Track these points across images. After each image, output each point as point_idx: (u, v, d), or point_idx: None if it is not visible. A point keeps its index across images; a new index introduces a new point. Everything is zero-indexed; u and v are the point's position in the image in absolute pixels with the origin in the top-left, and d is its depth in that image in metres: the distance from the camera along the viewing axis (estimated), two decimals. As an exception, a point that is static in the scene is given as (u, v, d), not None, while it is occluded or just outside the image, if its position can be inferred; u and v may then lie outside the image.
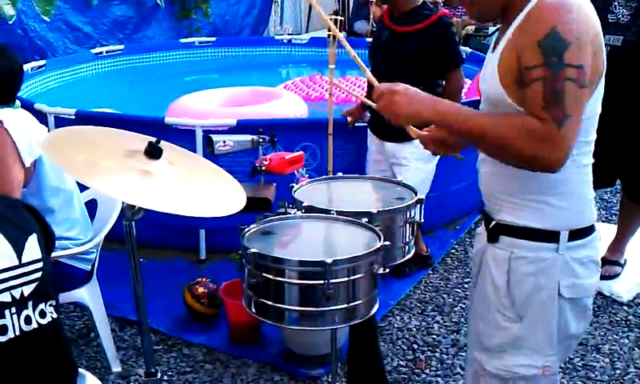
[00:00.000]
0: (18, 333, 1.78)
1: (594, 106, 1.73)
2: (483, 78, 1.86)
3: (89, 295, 3.06)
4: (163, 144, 1.87)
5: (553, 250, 1.78)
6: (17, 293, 1.79)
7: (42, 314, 1.84)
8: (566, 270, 1.79)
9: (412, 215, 2.29)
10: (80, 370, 2.08)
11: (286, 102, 5.62)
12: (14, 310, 1.78)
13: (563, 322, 1.83)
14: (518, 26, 1.70)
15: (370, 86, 3.97)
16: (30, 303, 1.82)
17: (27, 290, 1.81)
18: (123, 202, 1.85)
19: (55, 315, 1.89)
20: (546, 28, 1.60)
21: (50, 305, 1.87)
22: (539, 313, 1.82)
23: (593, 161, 1.82)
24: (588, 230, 1.82)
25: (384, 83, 1.88)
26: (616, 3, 3.63)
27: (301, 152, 2.86)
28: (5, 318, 1.76)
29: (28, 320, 1.80)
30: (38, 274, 1.85)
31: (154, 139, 1.85)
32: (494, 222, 1.88)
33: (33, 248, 1.86)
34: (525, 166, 1.68)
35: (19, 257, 1.81)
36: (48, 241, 1.99)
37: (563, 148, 1.60)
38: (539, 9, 1.65)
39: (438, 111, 1.78)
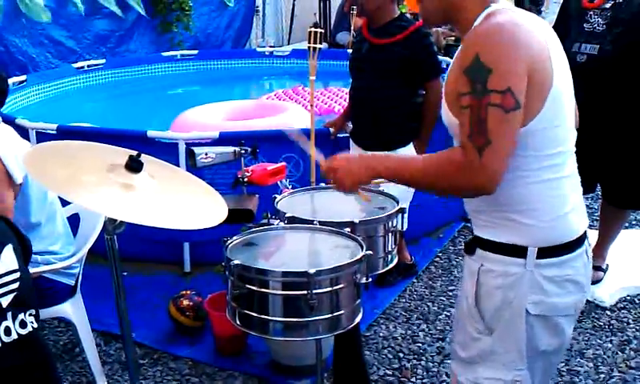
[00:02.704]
0: None
1: (550, 117, 1.70)
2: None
3: (73, 310, 3.05)
4: (144, 157, 1.87)
5: (520, 266, 1.77)
6: None
7: (23, 324, 1.84)
8: (534, 286, 1.77)
9: (394, 224, 2.31)
10: (65, 385, 2.07)
11: (292, 115, 5.63)
12: None
13: (531, 337, 1.81)
14: (458, 52, 1.76)
15: (351, 98, 4.03)
16: (10, 314, 1.81)
17: (5, 301, 1.81)
18: (105, 216, 1.85)
19: (36, 325, 1.88)
20: (471, 55, 1.64)
21: (30, 314, 1.87)
22: (508, 327, 1.81)
23: (567, 174, 1.79)
24: (563, 248, 1.78)
25: (325, 161, 2.00)
26: (591, 13, 3.68)
27: (283, 163, 2.87)
28: None
29: (7, 331, 1.80)
30: (16, 285, 1.84)
31: (134, 153, 1.86)
32: (472, 235, 1.89)
33: (9, 258, 1.86)
34: (463, 196, 1.78)
35: None
36: (25, 251, 1.98)
37: (486, 174, 1.63)
38: (469, 36, 1.71)
39: (375, 171, 1.86)
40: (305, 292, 1.85)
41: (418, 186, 1.84)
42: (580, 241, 1.83)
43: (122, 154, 1.88)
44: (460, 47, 1.76)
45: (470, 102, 1.63)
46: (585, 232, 1.86)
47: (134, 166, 1.83)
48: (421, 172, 1.76)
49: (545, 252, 1.76)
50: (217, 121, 5.55)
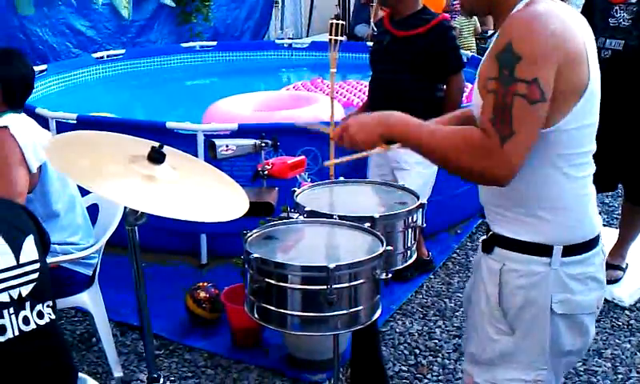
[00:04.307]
0: (17, 333, 1.79)
1: (582, 117, 1.68)
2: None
3: (90, 300, 3.06)
4: (166, 149, 1.86)
5: (545, 265, 1.75)
6: (15, 293, 1.80)
7: (40, 315, 1.85)
8: (559, 285, 1.75)
9: (414, 220, 2.29)
10: (81, 374, 2.08)
11: (323, 106, 5.61)
12: (12, 310, 1.79)
13: (556, 337, 1.80)
14: (494, 39, 1.73)
15: (371, 90, 4.00)
16: (28, 304, 1.82)
17: (25, 291, 1.82)
18: (126, 207, 1.85)
19: (53, 316, 1.89)
20: (504, 42, 1.62)
21: (48, 306, 1.88)
22: (531, 326, 1.79)
23: (591, 172, 1.78)
24: (586, 246, 1.78)
25: (337, 127, 1.97)
26: (617, 7, 3.64)
27: (303, 156, 2.86)
28: (4, 318, 1.77)
29: (26, 320, 1.81)
30: (35, 275, 1.86)
31: (157, 144, 1.85)
32: (490, 233, 1.87)
33: (30, 249, 1.87)
34: (472, 180, 1.72)
35: (17, 257, 1.82)
36: (43, 242, 1.99)
37: (507, 165, 1.59)
38: (506, 22, 1.68)
39: (389, 128, 1.81)
40: (324, 287, 1.83)
41: (428, 156, 1.76)
42: (599, 237, 1.83)
43: (144, 144, 1.87)
44: (495, 35, 1.73)
45: (496, 87, 1.61)
46: None
47: (156, 157, 1.82)
48: (436, 142, 1.71)
49: (569, 250, 1.75)
50: (248, 111, 5.54)
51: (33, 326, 1.82)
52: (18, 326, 1.79)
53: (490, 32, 9.68)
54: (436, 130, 1.77)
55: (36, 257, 1.88)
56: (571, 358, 1.90)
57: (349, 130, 1.89)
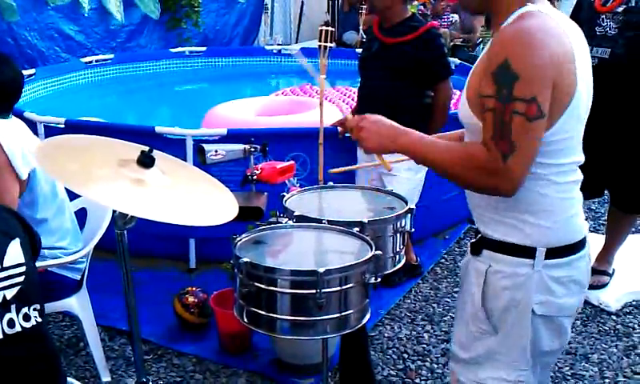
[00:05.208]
0: (1, 336, 1.78)
1: (566, 128, 1.71)
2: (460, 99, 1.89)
3: (78, 304, 3.05)
4: (155, 153, 1.87)
5: (529, 267, 1.78)
6: None
7: (26, 318, 1.84)
8: (542, 287, 1.78)
9: (403, 225, 2.30)
10: (69, 379, 2.07)
11: (325, 111, 5.57)
12: None
13: (536, 338, 1.83)
14: (487, 48, 1.74)
15: (359, 97, 4.02)
16: (13, 307, 1.82)
17: (9, 294, 1.81)
18: (115, 211, 1.85)
19: (40, 319, 1.89)
20: (500, 59, 1.63)
21: (35, 309, 1.88)
22: (514, 327, 1.82)
23: (577, 178, 1.81)
24: (570, 249, 1.81)
25: (355, 117, 1.96)
26: (603, 16, 3.68)
27: (292, 161, 2.87)
28: None
29: (11, 323, 1.81)
30: (21, 278, 1.85)
31: (146, 148, 1.86)
32: (479, 236, 1.90)
33: (15, 252, 1.86)
34: (479, 192, 1.79)
35: (0, 261, 1.81)
36: (33, 246, 1.98)
37: (509, 180, 1.65)
38: (499, 38, 1.69)
39: (399, 144, 1.85)
40: (313, 291, 1.84)
41: (438, 173, 1.81)
42: (584, 242, 1.85)
43: (134, 149, 1.87)
44: (488, 44, 1.75)
45: (495, 105, 1.64)
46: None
47: (145, 161, 1.83)
48: (445, 161, 1.75)
49: (552, 253, 1.78)
50: (248, 116, 5.51)
51: (18, 328, 1.82)
52: (3, 328, 1.79)
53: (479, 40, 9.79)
54: (443, 147, 1.80)
55: (22, 260, 1.87)
56: (547, 358, 1.93)
57: (362, 131, 1.90)
